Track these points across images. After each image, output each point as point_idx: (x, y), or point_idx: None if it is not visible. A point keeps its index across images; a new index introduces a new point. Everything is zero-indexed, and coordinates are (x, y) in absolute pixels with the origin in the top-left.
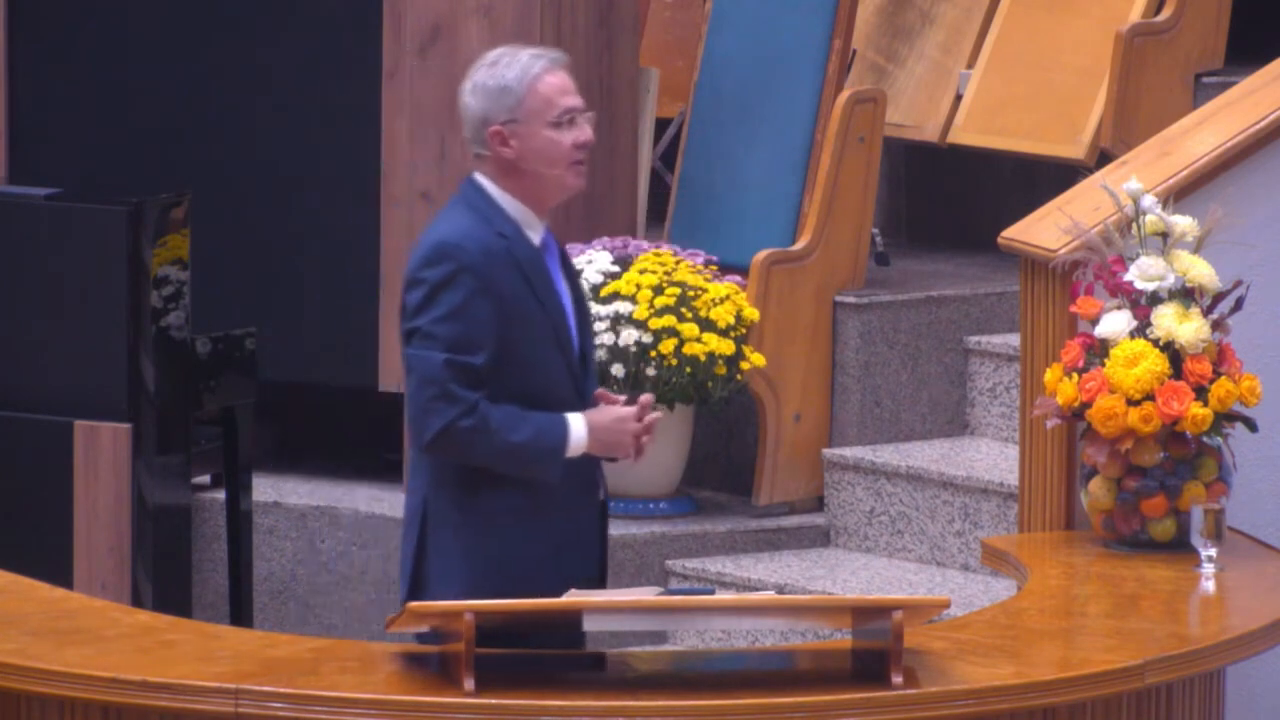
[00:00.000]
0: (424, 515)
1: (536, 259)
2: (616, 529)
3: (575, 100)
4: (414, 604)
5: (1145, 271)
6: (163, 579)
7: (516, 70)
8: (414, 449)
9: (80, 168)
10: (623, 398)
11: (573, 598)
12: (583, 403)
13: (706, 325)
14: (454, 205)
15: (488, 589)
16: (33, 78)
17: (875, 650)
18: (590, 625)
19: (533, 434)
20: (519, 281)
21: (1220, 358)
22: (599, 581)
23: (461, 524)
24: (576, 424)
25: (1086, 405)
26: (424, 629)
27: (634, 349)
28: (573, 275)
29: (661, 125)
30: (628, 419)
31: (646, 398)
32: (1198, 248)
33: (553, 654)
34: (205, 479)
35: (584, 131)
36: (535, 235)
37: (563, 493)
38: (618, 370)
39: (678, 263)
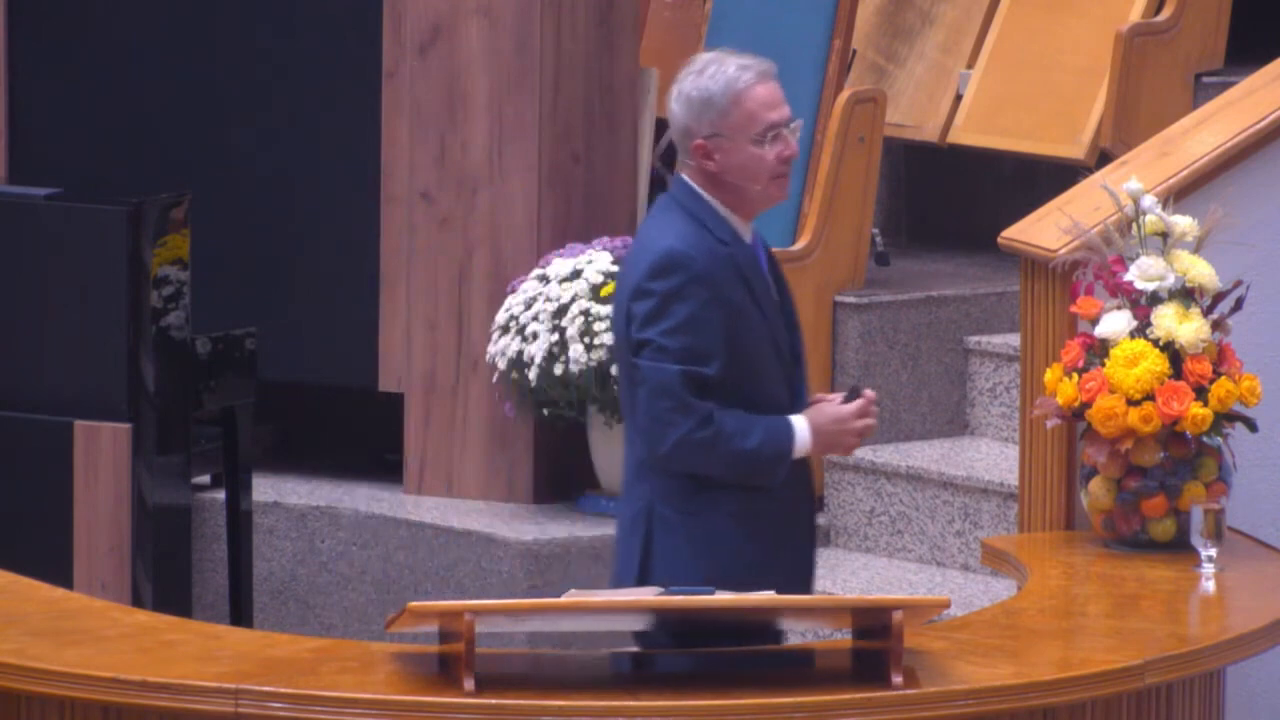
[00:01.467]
0: (649, 523)
1: (754, 263)
2: (614, 529)
3: (779, 114)
4: (414, 604)
5: (1145, 271)
6: (163, 579)
7: (722, 82)
8: (635, 456)
9: (80, 168)
10: (838, 396)
11: (573, 597)
12: (796, 403)
13: None
14: (669, 209)
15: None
16: (33, 78)
17: (875, 650)
18: (786, 624)
19: (761, 439)
20: (742, 289)
21: (1220, 358)
22: (810, 579)
23: (687, 531)
24: (800, 426)
25: (1086, 405)
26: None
27: None
28: (778, 273)
29: (662, 125)
30: (848, 418)
31: (870, 393)
32: (1198, 248)
33: (552, 654)
34: (205, 479)
35: (788, 146)
36: (747, 237)
37: (781, 494)
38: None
39: None
